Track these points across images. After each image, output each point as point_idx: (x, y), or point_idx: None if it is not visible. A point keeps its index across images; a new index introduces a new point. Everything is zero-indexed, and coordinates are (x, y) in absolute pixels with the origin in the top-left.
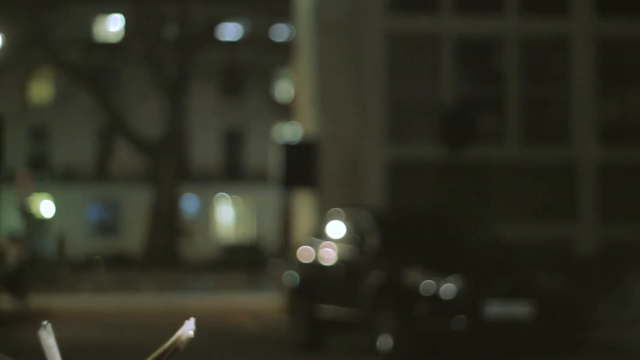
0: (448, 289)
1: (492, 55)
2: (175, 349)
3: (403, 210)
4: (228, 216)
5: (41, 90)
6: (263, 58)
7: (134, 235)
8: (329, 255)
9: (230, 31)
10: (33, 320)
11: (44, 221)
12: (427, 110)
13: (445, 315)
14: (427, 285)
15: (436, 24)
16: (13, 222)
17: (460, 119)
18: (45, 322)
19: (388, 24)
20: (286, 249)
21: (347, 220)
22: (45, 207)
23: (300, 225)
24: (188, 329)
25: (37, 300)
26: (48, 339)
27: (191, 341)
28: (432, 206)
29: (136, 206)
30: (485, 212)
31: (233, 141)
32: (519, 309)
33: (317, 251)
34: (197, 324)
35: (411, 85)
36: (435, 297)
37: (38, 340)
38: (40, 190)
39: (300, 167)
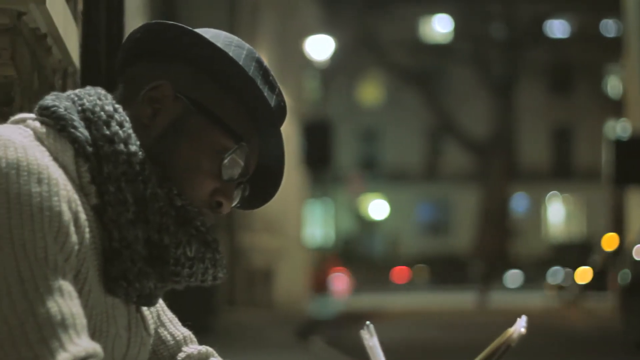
0: None
1: None
2: (507, 346)
3: None
4: (558, 214)
5: (370, 92)
6: (592, 54)
7: (463, 234)
8: None
9: (557, 28)
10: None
11: (375, 222)
12: None
13: None
14: None
15: None
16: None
17: None
18: (368, 322)
19: None
20: (620, 247)
21: None
22: (378, 208)
23: (634, 223)
24: (520, 326)
25: (365, 300)
26: (370, 339)
27: (523, 339)
28: None
29: (466, 205)
30: None
31: (562, 139)
32: None
33: None
34: (529, 322)
35: None
36: None
37: (360, 340)
38: (371, 190)
39: (632, 163)
